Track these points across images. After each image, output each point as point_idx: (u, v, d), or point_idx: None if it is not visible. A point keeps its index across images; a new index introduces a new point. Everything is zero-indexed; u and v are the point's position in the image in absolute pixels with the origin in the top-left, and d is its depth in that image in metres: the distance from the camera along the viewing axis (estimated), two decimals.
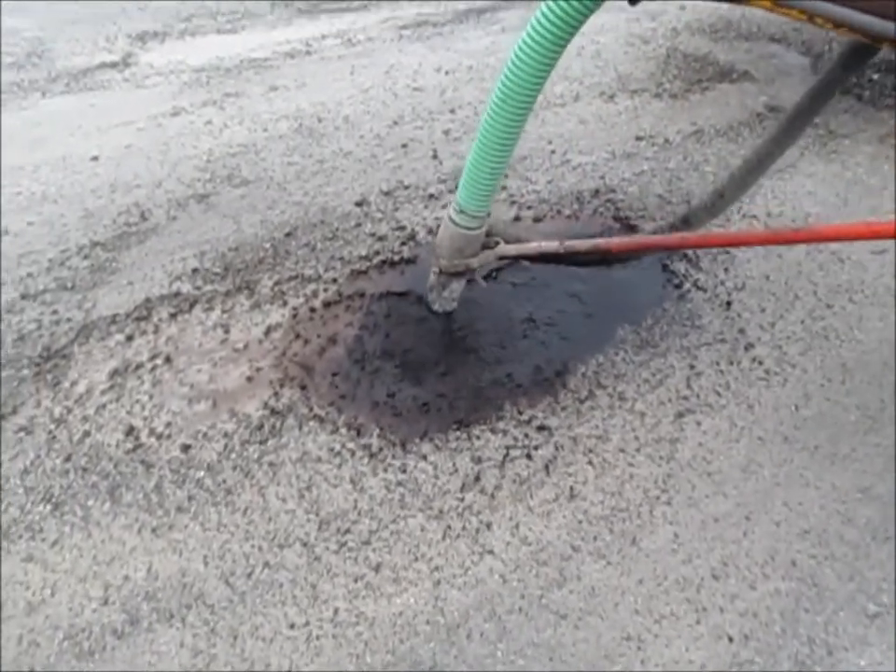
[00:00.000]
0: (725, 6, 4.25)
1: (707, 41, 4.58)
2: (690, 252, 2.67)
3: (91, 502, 1.88)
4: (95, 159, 3.29)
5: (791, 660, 1.56)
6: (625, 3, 1.80)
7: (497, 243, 2.17)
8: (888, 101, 3.79)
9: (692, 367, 2.25)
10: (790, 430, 2.06)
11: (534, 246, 2.18)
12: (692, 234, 2.15)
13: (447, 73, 4.13)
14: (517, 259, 2.29)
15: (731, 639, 1.59)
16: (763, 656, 1.57)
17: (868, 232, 1.75)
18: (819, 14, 1.48)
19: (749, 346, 2.32)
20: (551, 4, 1.62)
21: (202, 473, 1.95)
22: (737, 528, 1.82)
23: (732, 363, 2.26)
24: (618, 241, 2.11)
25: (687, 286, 2.54)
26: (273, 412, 2.10)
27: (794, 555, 1.76)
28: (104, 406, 2.13)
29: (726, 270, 2.61)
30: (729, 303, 2.47)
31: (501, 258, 2.21)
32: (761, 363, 2.26)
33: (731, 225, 2.81)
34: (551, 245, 2.15)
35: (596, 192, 3.03)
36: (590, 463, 1.97)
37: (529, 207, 2.95)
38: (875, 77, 4.10)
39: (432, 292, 2.32)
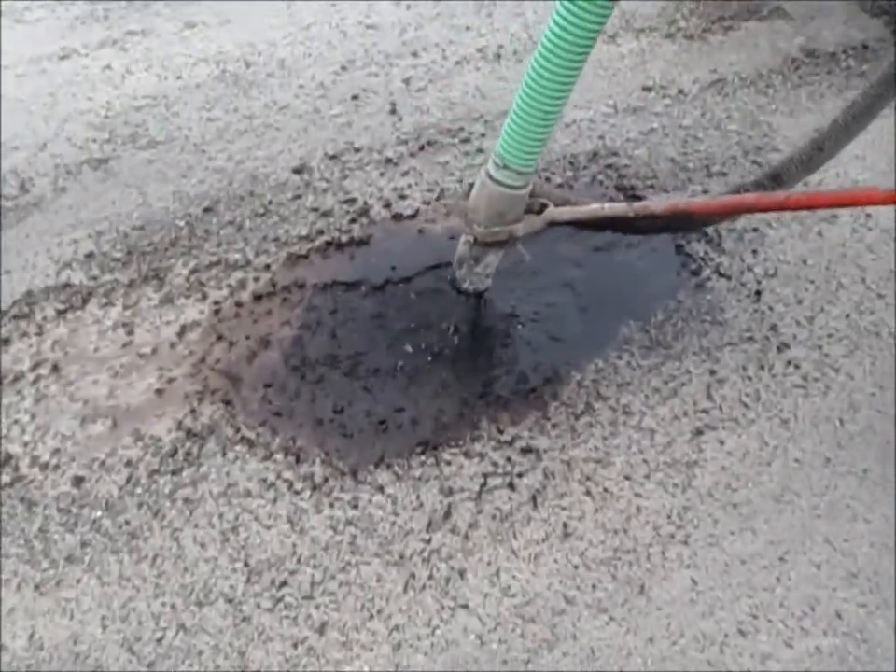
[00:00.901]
0: None
1: None
2: (710, 230, 2.70)
3: None
4: None
5: None
6: None
7: (545, 205, 2.14)
8: None
9: (712, 372, 2.27)
10: (832, 450, 2.08)
11: (593, 209, 2.16)
12: (795, 194, 2.10)
13: (408, 7, 4.13)
14: (570, 225, 2.28)
15: None
16: None
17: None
18: None
19: (782, 347, 2.35)
20: None
21: (98, 513, 1.93)
22: (769, 572, 1.83)
23: (762, 367, 2.29)
24: (702, 201, 2.09)
25: (707, 272, 2.57)
26: (190, 434, 2.09)
27: (839, 605, 1.78)
28: None
29: (754, 252, 2.64)
30: (758, 293, 2.50)
31: (551, 224, 2.19)
32: (797, 367, 2.29)
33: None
34: (616, 207, 2.13)
35: (594, 156, 3.05)
36: (588, 493, 1.98)
37: None
38: None
39: (462, 267, 2.28)
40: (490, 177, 2.02)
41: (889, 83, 2.02)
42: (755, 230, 2.72)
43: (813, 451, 2.08)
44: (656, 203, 2.12)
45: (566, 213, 2.15)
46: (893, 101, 2.08)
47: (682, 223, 2.35)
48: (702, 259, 2.62)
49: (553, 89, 1.77)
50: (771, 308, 2.46)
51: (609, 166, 2.99)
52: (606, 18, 1.65)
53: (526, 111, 1.84)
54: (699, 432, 2.12)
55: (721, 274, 2.57)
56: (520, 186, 2.02)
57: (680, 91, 3.46)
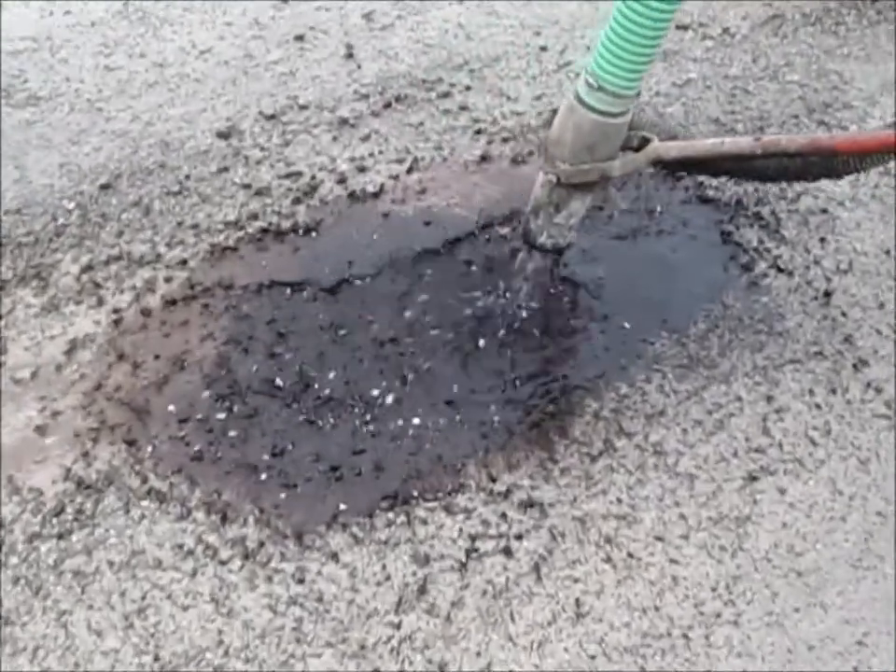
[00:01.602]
0: None
1: None
2: (766, 212, 2.73)
3: None
4: None
5: None
6: None
7: (647, 140, 2.18)
8: None
9: (770, 399, 2.29)
10: None
11: (710, 144, 2.20)
12: None
13: None
14: (679, 165, 2.33)
15: None
16: None
17: None
18: None
19: (860, 364, 2.37)
20: None
21: None
22: (845, 660, 1.84)
23: (834, 392, 2.31)
24: (849, 136, 2.12)
25: (762, 266, 2.60)
26: (82, 485, 2.08)
27: None
28: None
29: (823, 241, 2.67)
30: (828, 295, 2.53)
31: (655, 163, 2.24)
32: (879, 391, 2.32)
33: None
34: (739, 143, 2.16)
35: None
36: (608, 560, 1.98)
37: (506, 139, 2.99)
38: None
39: (539, 216, 2.31)
40: (580, 101, 2.06)
41: None
42: (824, 211, 2.76)
43: None
44: (790, 139, 2.14)
45: (674, 148, 2.19)
46: None
47: (821, 168, 2.32)
48: (755, 249, 2.65)
49: None
50: (845, 314, 2.49)
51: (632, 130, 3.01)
52: None
53: (632, 15, 1.87)
54: (753, 478, 2.14)
55: (780, 270, 2.60)
56: (618, 113, 2.06)
57: (726, 31, 3.51)
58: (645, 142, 2.17)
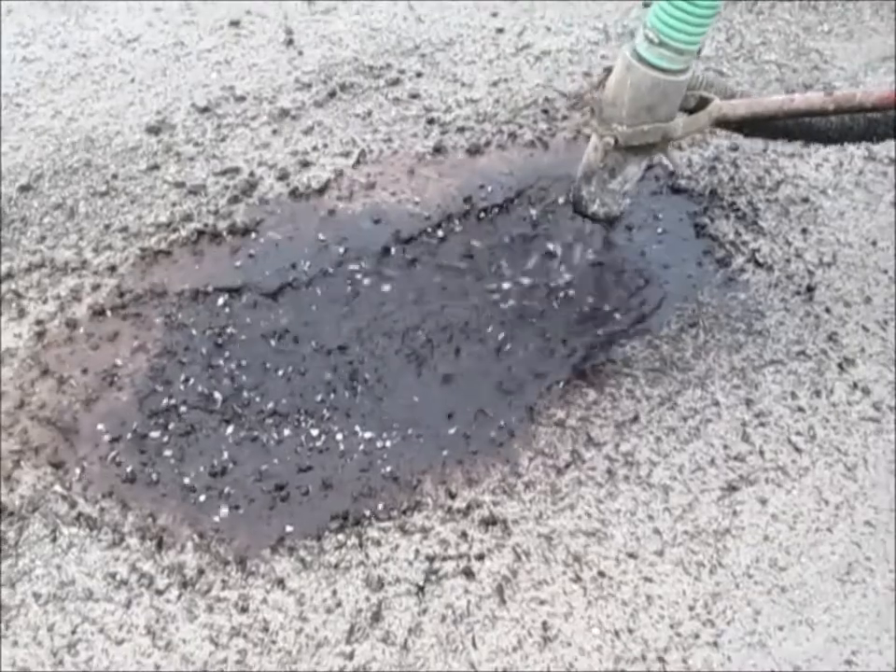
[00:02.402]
0: None
1: None
2: (742, 202, 2.77)
3: None
4: None
5: None
6: None
7: (707, 100, 2.23)
8: None
9: (749, 403, 2.33)
10: None
11: (778, 101, 2.26)
12: None
13: None
14: (743, 126, 2.38)
15: None
16: None
17: None
18: None
19: (845, 364, 2.42)
20: None
21: None
22: None
23: (818, 394, 2.35)
24: None
25: (739, 260, 2.65)
26: (4, 512, 2.08)
27: None
28: None
29: (805, 232, 2.72)
30: (811, 290, 2.58)
31: (718, 123, 2.29)
32: (866, 392, 2.36)
33: (810, 155, 2.92)
34: (810, 99, 2.22)
35: (579, 100, 3.11)
36: (577, 580, 2.01)
37: (461, 129, 3.02)
38: None
39: (590, 182, 2.36)
40: (639, 58, 2.11)
41: None
42: (805, 200, 2.81)
43: (890, 509, 2.14)
44: (866, 94, 2.19)
45: (740, 106, 2.25)
46: None
47: (886, 127, 2.40)
48: (732, 243, 2.70)
49: None
50: (828, 310, 2.53)
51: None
52: None
53: None
54: (732, 488, 2.17)
55: (758, 264, 2.64)
56: (679, 70, 2.12)
57: None
58: (704, 102, 2.23)
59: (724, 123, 2.31)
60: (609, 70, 2.21)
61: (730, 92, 2.28)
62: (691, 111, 2.23)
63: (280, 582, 1.98)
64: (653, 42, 2.06)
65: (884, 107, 2.20)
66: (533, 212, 2.71)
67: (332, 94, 3.14)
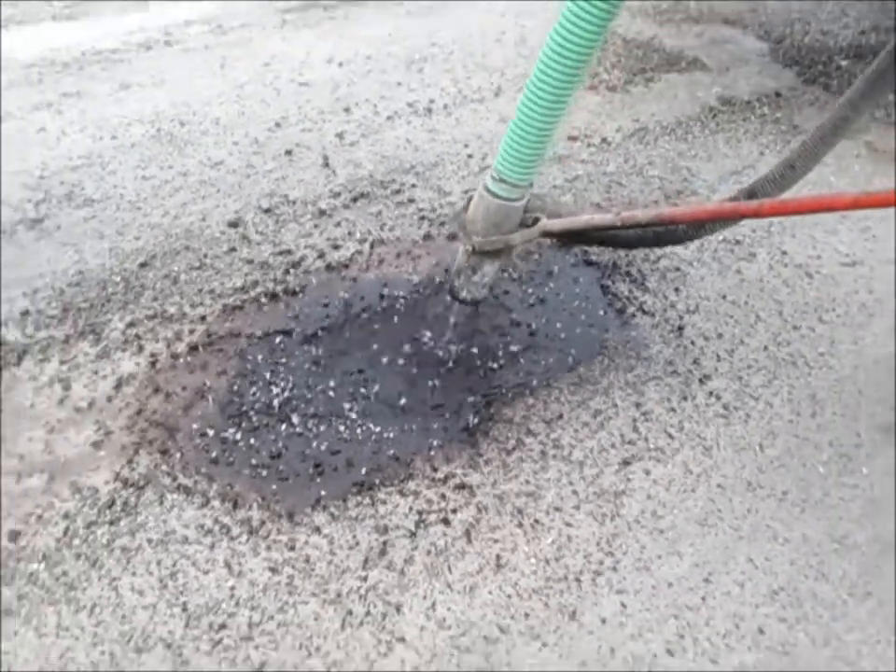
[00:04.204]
0: None
1: (652, 24, 4.86)
2: (634, 270, 2.82)
3: None
4: None
5: None
6: None
7: (538, 218, 2.27)
8: None
9: (638, 405, 2.36)
10: (753, 475, 2.18)
11: (584, 220, 2.29)
12: (768, 202, 2.20)
13: (340, 64, 4.26)
14: (563, 236, 2.42)
15: None
16: None
17: None
18: None
19: (704, 379, 2.45)
20: None
21: (36, 566, 1.93)
22: (695, 593, 1.90)
23: (685, 399, 2.39)
24: (686, 209, 2.22)
25: (631, 309, 2.68)
26: (127, 484, 2.10)
27: (762, 621, 1.85)
28: None
29: (677, 290, 2.76)
30: (681, 329, 2.62)
31: (545, 235, 2.32)
32: (718, 398, 2.39)
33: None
34: (605, 218, 2.26)
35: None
36: (520, 526, 2.03)
37: (443, 223, 3.06)
38: (844, 63, 4.43)
39: (460, 277, 2.39)
40: (488, 190, 2.16)
41: (853, 108, 2.15)
42: (677, 269, 2.85)
43: (735, 476, 2.17)
44: (643, 213, 2.24)
45: (558, 223, 2.28)
46: (856, 124, 2.21)
47: (668, 235, 2.43)
48: (626, 297, 2.73)
49: (548, 106, 1.95)
50: (693, 342, 2.57)
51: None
52: (601, 37, 1.84)
53: (523, 128, 2.00)
54: (626, 463, 2.20)
55: (645, 312, 2.68)
56: (515, 198, 2.17)
57: (604, 140, 3.61)
58: (537, 220, 2.26)
59: (550, 235, 2.35)
60: (470, 199, 2.27)
61: (555, 213, 2.33)
62: (527, 226, 2.27)
63: (317, 529, 2.01)
64: (496, 179, 2.13)
65: (655, 223, 2.25)
66: (499, 278, 2.74)
67: (355, 199, 3.18)
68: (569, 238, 2.45)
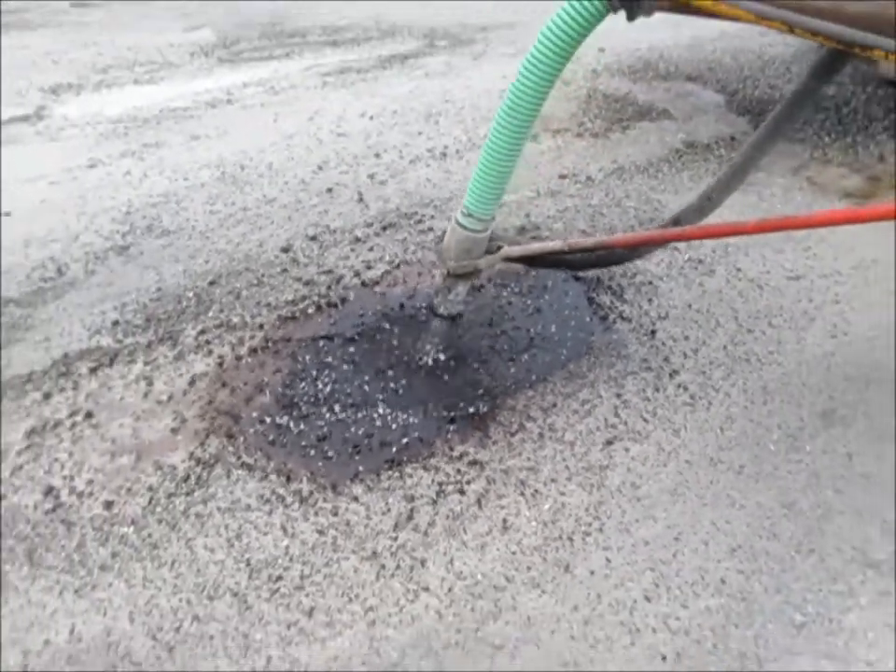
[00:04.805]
0: (644, 47, 4.52)
1: (627, 82, 4.87)
2: (614, 284, 2.83)
3: (7, 567, 1.86)
4: (8, 214, 3.30)
5: None
6: None
7: (501, 245, 2.32)
8: (800, 134, 4.08)
9: (619, 396, 2.36)
10: (715, 452, 2.18)
11: (537, 247, 2.34)
12: (688, 228, 2.27)
13: (371, 118, 4.29)
14: (521, 260, 2.45)
15: (664, 658, 1.67)
16: None
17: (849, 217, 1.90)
18: (798, 25, 1.68)
19: (673, 373, 2.45)
20: (561, 11, 1.83)
21: (126, 529, 1.95)
22: (667, 550, 1.91)
23: (658, 390, 2.39)
24: (621, 236, 2.26)
25: (612, 317, 2.68)
26: (200, 462, 2.12)
27: (723, 573, 1.85)
28: (20, 467, 2.12)
29: (650, 300, 2.76)
30: (653, 332, 2.62)
31: (506, 259, 2.37)
32: (685, 389, 2.39)
33: (653, 256, 2.98)
34: (554, 245, 2.30)
35: (522, 229, 3.18)
36: (522, 494, 2.04)
37: None
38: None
39: (438, 295, 2.43)
40: (458, 223, 2.21)
41: (757, 150, 2.20)
42: (650, 283, 2.85)
43: (700, 454, 2.17)
44: (586, 239, 2.29)
45: (517, 250, 2.32)
46: (760, 162, 2.25)
47: (610, 258, 2.47)
48: (608, 307, 2.73)
49: (504, 154, 2.03)
50: (664, 343, 2.57)
51: (534, 237, 3.11)
52: (543, 101, 1.96)
53: (485, 172, 2.08)
54: (609, 443, 2.20)
55: (623, 318, 2.68)
56: (481, 230, 2.21)
57: (589, 178, 3.63)
58: (500, 247, 2.31)
59: (511, 259, 2.38)
60: (445, 231, 2.31)
61: (515, 241, 2.38)
62: (492, 252, 2.31)
63: (356, 498, 2.02)
64: (465, 214, 2.18)
65: (596, 248, 2.31)
66: (503, 292, 2.76)
67: (384, 229, 3.20)
68: (528, 262, 2.47)
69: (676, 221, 2.34)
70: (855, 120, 4.25)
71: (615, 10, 1.83)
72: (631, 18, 1.86)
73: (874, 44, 1.64)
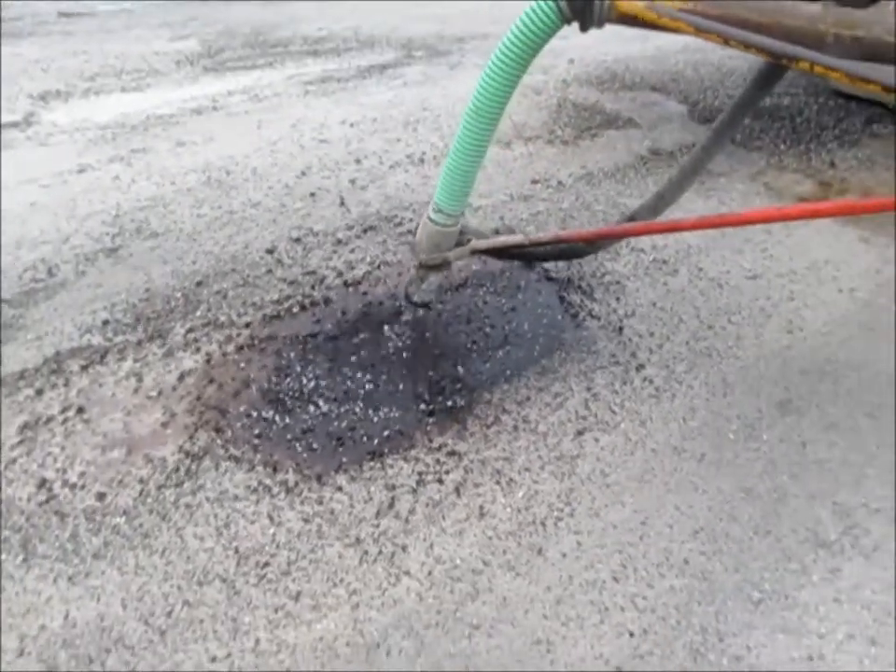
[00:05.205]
0: (611, 59, 4.56)
1: (595, 92, 4.91)
2: (584, 284, 2.86)
3: (2, 556, 1.85)
4: None
5: (686, 649, 1.68)
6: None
7: (469, 239, 2.38)
8: (757, 142, 4.15)
9: (588, 389, 2.39)
10: (679, 441, 2.21)
11: (501, 240, 2.42)
12: (635, 224, 2.33)
13: (352, 125, 4.29)
14: (487, 252, 2.50)
15: (632, 634, 1.70)
16: (661, 648, 1.68)
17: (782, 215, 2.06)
18: (731, 38, 1.72)
19: (640, 367, 2.48)
20: (518, 21, 1.87)
21: (118, 519, 1.94)
22: (635, 533, 1.94)
23: (625, 383, 2.42)
24: (574, 231, 2.30)
25: (582, 314, 2.71)
26: (189, 454, 2.12)
27: (687, 554, 1.89)
28: (13, 461, 2.10)
29: (618, 299, 2.80)
30: (621, 329, 2.65)
31: (474, 252, 2.42)
32: (651, 382, 2.43)
33: (620, 258, 3.02)
34: (516, 238, 2.39)
35: (496, 231, 3.19)
36: (497, 483, 2.06)
37: None
38: (746, 121, 4.47)
39: (412, 286, 2.48)
40: (429, 219, 2.27)
41: (706, 153, 2.25)
42: (618, 282, 2.89)
43: (665, 443, 2.20)
44: (544, 234, 2.38)
45: (483, 244, 2.39)
46: (708, 164, 2.31)
47: (568, 252, 2.56)
48: (579, 305, 2.76)
49: (470, 154, 2.09)
50: (631, 340, 2.60)
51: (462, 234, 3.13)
52: (504, 106, 2.02)
53: (453, 171, 2.13)
54: (580, 433, 2.23)
55: (593, 316, 2.71)
56: (451, 224, 2.27)
57: (560, 183, 3.66)
58: (468, 240, 2.38)
59: (479, 252, 2.44)
60: (418, 225, 2.36)
61: (483, 236, 2.42)
62: (461, 245, 2.38)
63: (339, 488, 2.03)
64: (435, 210, 2.24)
65: (555, 242, 2.40)
66: (479, 291, 2.78)
67: (365, 231, 3.21)
68: (495, 254, 2.54)
69: (631, 219, 2.40)
70: (808, 129, 4.33)
71: (569, 22, 1.86)
72: (584, 29, 1.90)
73: (801, 56, 1.69)
